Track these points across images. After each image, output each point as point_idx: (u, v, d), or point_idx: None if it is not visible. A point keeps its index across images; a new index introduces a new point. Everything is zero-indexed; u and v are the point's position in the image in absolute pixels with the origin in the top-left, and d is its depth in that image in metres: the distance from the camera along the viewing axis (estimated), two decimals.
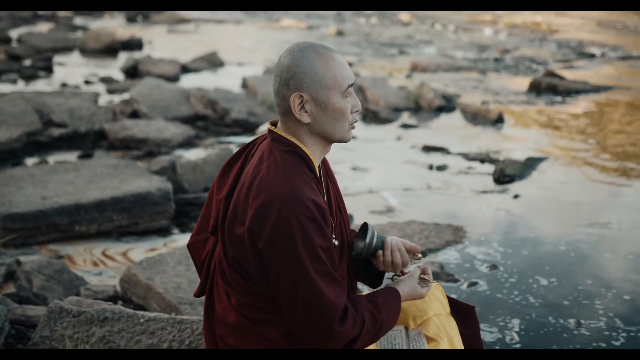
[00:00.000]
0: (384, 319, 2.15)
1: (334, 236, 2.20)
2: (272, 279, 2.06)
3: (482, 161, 7.15)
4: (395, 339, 2.33)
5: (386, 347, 2.31)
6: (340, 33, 18.29)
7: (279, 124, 2.21)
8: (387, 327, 2.19)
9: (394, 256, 2.30)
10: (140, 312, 3.03)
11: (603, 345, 3.70)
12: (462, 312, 2.47)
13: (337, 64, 2.12)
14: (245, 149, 2.30)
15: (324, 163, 2.32)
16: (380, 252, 2.31)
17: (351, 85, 2.14)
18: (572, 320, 3.93)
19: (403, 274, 2.38)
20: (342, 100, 2.13)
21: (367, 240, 2.29)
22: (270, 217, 2.01)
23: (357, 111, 2.19)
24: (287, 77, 2.11)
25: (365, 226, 2.33)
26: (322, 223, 2.05)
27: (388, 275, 2.45)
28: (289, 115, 2.15)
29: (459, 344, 2.36)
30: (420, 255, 2.36)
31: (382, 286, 2.36)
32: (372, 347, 2.29)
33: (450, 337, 2.35)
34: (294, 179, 2.05)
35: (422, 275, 2.34)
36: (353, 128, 2.21)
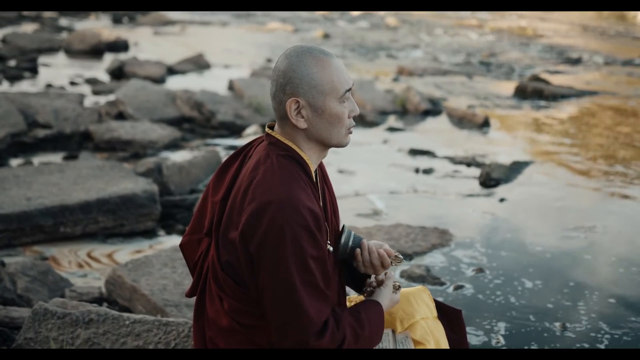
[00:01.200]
0: (366, 335, 2.13)
1: (328, 242, 2.19)
2: (259, 284, 2.05)
3: (468, 165, 7.17)
4: (382, 342, 2.33)
5: None
6: (327, 36, 18.30)
7: (276, 127, 2.19)
8: (371, 342, 2.17)
9: (372, 257, 2.27)
10: (126, 314, 3.01)
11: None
12: (449, 316, 2.47)
13: (334, 69, 2.11)
14: (243, 151, 2.29)
15: (321, 167, 2.31)
16: (359, 251, 2.29)
17: (348, 90, 2.13)
18: (557, 324, 3.95)
19: (378, 282, 2.36)
20: (339, 106, 2.12)
21: (343, 240, 2.26)
22: (263, 223, 1.99)
23: (354, 116, 2.18)
24: (283, 82, 2.10)
25: (342, 228, 2.32)
26: (316, 232, 2.03)
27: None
28: (285, 120, 2.13)
29: (445, 348, 2.36)
30: (401, 257, 2.34)
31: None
32: None
33: (437, 341, 2.35)
34: (291, 185, 2.04)
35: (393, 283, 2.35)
36: (350, 133, 2.20)
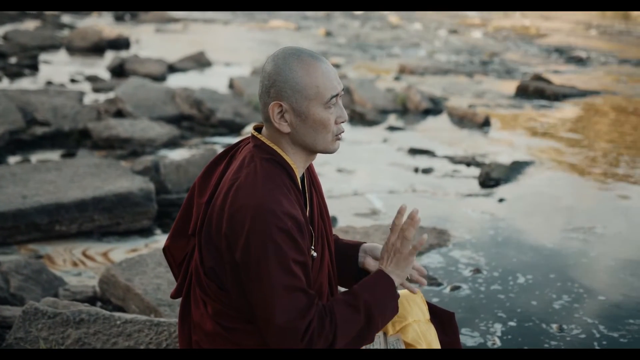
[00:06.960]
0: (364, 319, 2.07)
1: (312, 248, 2.15)
2: (246, 289, 2.00)
3: (468, 164, 7.14)
4: (373, 345, 2.30)
5: None
6: (329, 34, 18.28)
7: (263, 130, 2.16)
8: (384, 318, 2.11)
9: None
10: (117, 314, 2.99)
11: None
12: (441, 319, 2.44)
13: (321, 74, 2.05)
14: (229, 152, 2.25)
15: (310, 169, 2.27)
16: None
17: (335, 96, 2.06)
18: (554, 325, 3.91)
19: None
20: (323, 112, 2.06)
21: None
22: (245, 227, 1.95)
23: (342, 122, 2.12)
24: (268, 85, 2.06)
25: None
26: (298, 237, 1.99)
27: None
28: (269, 122, 2.10)
29: None
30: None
31: None
32: None
33: (429, 344, 2.32)
34: (272, 190, 2.00)
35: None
36: (339, 139, 2.14)
